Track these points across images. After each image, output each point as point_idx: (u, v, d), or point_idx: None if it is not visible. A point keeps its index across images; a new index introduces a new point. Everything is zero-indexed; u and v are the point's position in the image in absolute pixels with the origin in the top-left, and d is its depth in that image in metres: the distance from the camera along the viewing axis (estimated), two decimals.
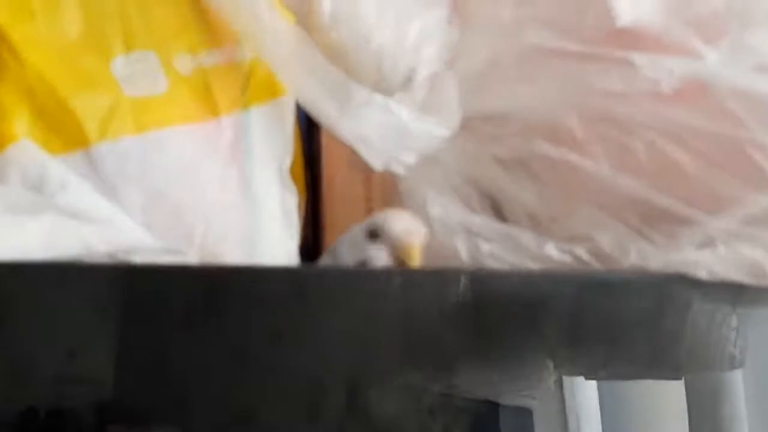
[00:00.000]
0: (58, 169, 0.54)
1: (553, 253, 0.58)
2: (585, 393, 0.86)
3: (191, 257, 0.55)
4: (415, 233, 0.57)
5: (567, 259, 0.58)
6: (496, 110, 0.64)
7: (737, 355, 0.59)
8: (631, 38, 0.59)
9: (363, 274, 0.55)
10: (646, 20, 0.59)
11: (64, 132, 0.55)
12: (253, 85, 0.61)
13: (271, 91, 0.61)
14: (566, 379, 0.83)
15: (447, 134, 0.61)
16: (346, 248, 0.59)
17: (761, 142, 0.55)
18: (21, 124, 0.55)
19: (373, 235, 0.57)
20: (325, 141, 0.75)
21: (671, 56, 0.57)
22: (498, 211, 0.66)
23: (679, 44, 0.58)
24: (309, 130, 0.72)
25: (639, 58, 0.57)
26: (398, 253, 0.57)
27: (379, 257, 0.57)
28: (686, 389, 0.82)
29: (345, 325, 0.51)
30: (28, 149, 0.54)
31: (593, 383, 0.86)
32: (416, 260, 0.56)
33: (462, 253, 0.60)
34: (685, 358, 0.58)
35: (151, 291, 0.50)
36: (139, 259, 0.53)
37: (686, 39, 0.58)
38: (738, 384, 0.76)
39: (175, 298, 0.50)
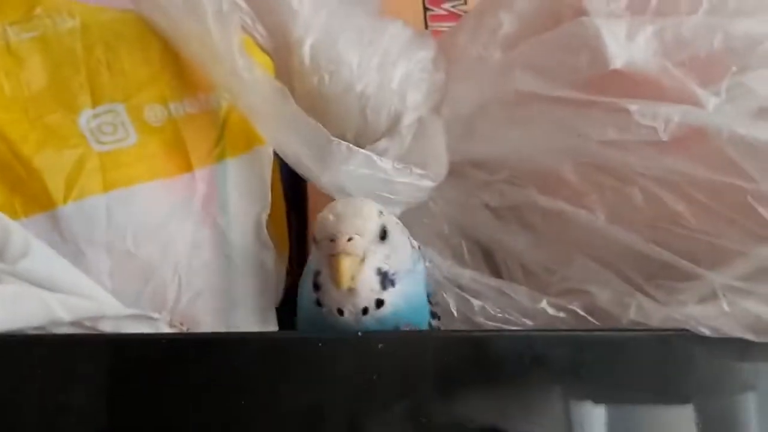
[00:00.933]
0: (20, 233, 0.51)
1: (548, 310, 0.55)
2: None
3: (161, 322, 0.52)
4: (341, 240, 0.49)
5: (562, 315, 0.55)
6: (486, 156, 0.61)
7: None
8: (626, 82, 0.56)
9: (340, 340, 0.51)
10: (639, 63, 0.56)
11: (27, 193, 0.53)
12: (228, 135, 0.58)
13: (247, 140, 0.58)
14: None
15: (433, 185, 0.58)
16: (311, 259, 0.53)
17: (764, 192, 0.52)
18: None
19: (314, 240, 0.52)
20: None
21: (668, 102, 0.54)
22: (489, 260, 0.63)
23: (675, 88, 0.55)
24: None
25: (634, 106, 0.54)
26: (329, 267, 0.49)
27: (318, 264, 0.51)
28: None
29: (322, 392, 0.48)
30: None
31: None
32: (346, 279, 0.48)
33: (452, 308, 0.57)
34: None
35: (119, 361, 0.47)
36: (107, 326, 0.51)
37: (683, 83, 0.55)
38: None
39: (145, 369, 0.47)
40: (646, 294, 0.55)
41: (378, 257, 0.50)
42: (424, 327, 0.54)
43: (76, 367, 0.47)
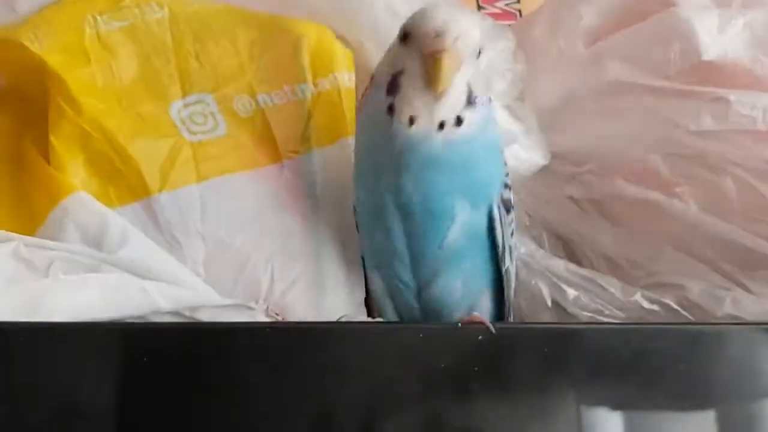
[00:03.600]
0: (118, 222, 0.51)
1: (642, 302, 0.55)
2: None
3: (258, 312, 0.51)
4: (448, 37, 0.45)
5: (655, 308, 0.55)
6: (572, 148, 0.61)
7: None
8: (717, 73, 0.56)
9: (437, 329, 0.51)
10: (731, 55, 0.55)
11: (123, 181, 0.53)
12: (314, 126, 0.58)
13: (333, 132, 0.58)
14: None
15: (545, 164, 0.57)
16: (384, 62, 0.49)
17: None
18: (77, 173, 0.52)
19: (404, 36, 0.46)
20: None
21: (764, 92, 0.53)
22: (571, 253, 0.63)
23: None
24: None
25: (734, 96, 0.53)
26: (426, 65, 0.45)
27: (402, 62, 0.46)
28: None
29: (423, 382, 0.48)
30: (85, 202, 0.51)
31: None
32: (445, 79, 0.45)
33: (546, 297, 0.56)
34: None
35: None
36: (204, 316, 0.50)
37: None
38: None
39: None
40: (742, 287, 0.54)
41: (471, 71, 0.47)
42: (493, 189, 0.50)
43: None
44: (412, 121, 0.46)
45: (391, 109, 0.46)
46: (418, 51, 0.45)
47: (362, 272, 0.57)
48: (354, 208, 0.54)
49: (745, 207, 0.55)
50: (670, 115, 0.56)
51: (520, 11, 0.94)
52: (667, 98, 0.56)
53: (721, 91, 0.54)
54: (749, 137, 0.54)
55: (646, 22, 0.58)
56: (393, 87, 0.46)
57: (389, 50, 0.49)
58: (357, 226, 0.55)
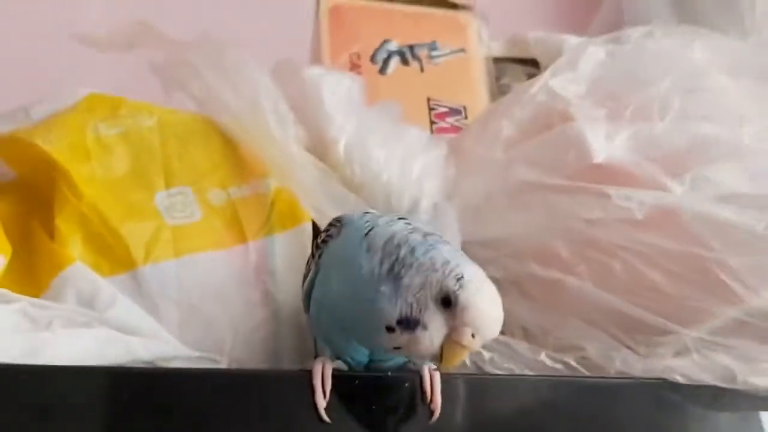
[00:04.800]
0: (108, 289, 0.61)
1: (546, 361, 0.65)
2: None
3: (222, 364, 0.61)
4: (480, 340, 0.49)
5: (558, 366, 0.65)
6: (492, 237, 0.72)
7: None
8: (606, 173, 0.68)
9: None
10: (617, 158, 0.68)
11: (113, 256, 0.63)
12: (276, 214, 0.70)
13: (292, 218, 0.70)
14: None
15: None
16: (408, 297, 0.49)
17: (724, 261, 0.63)
18: (76, 248, 0.63)
19: (447, 303, 0.49)
20: None
21: (641, 189, 0.66)
22: None
23: (648, 178, 0.67)
24: None
25: (613, 191, 0.65)
26: (448, 348, 0.49)
27: (426, 339, 0.49)
28: None
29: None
30: (82, 271, 0.61)
31: None
32: (454, 363, 0.49)
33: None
34: None
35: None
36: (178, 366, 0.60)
37: (654, 174, 0.66)
38: None
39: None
40: (630, 348, 0.65)
41: None
42: None
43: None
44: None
45: (389, 328, 0.50)
46: (447, 326, 0.49)
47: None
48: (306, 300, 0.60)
49: (629, 283, 0.65)
50: (568, 208, 0.67)
51: (465, 125, 1.08)
52: (565, 194, 0.68)
53: (603, 188, 0.66)
54: (629, 225, 0.65)
55: (549, 132, 0.71)
56: (410, 322, 0.49)
57: (420, 268, 0.50)
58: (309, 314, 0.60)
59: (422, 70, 1.07)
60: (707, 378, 0.62)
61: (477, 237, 0.73)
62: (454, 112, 1.05)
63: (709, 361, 0.63)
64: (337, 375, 0.55)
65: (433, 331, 0.49)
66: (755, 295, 0.62)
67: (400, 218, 0.55)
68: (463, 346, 0.49)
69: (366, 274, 0.50)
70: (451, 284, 0.49)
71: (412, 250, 0.50)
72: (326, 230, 0.57)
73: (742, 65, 0.73)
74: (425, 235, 0.52)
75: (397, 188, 0.73)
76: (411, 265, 0.49)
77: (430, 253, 0.50)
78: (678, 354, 0.64)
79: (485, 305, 0.49)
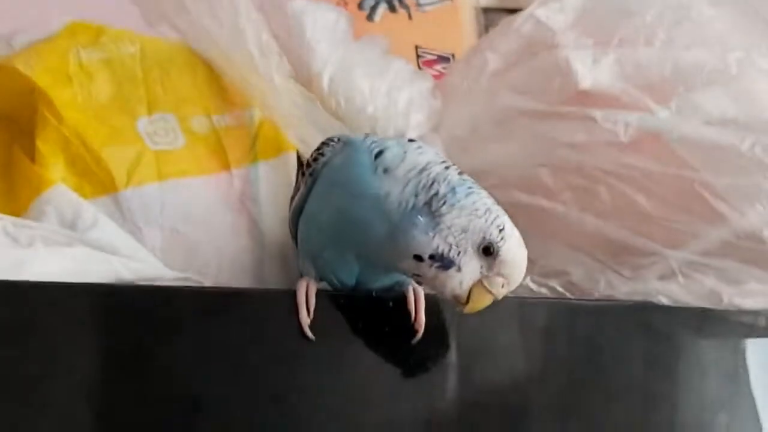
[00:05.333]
0: (90, 210, 0.61)
1: (532, 286, 0.65)
2: None
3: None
4: (507, 289, 0.51)
5: (543, 290, 0.65)
6: (477, 167, 0.71)
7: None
8: (592, 100, 0.67)
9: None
10: (603, 84, 0.67)
11: (95, 178, 0.63)
12: (260, 143, 0.69)
13: (276, 147, 0.69)
14: None
15: None
16: (450, 235, 0.49)
17: (708, 182, 0.62)
18: (57, 170, 0.62)
19: (488, 252, 0.49)
20: None
21: (624, 109, 0.65)
22: None
23: (633, 104, 0.66)
24: None
25: (599, 113, 0.65)
26: (476, 293, 0.50)
27: (456, 280, 0.50)
28: None
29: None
30: (63, 192, 0.61)
31: None
32: (480, 308, 0.50)
33: None
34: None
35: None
36: None
37: (640, 99, 0.66)
38: None
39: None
40: (615, 271, 0.65)
41: None
42: None
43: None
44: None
45: (419, 258, 0.50)
46: (481, 273, 0.50)
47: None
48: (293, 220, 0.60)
49: (613, 207, 0.65)
50: (553, 134, 0.67)
51: None
52: (550, 120, 0.68)
53: (589, 111, 0.65)
54: (615, 148, 0.65)
55: (533, 59, 0.71)
56: (442, 262, 0.49)
57: (462, 210, 0.50)
58: (296, 231, 0.61)
59: (410, 17, 1.07)
60: (693, 300, 0.62)
61: (462, 168, 0.72)
62: (442, 59, 1.05)
63: (694, 283, 0.63)
64: (321, 294, 0.55)
65: (466, 274, 0.50)
66: (741, 215, 0.62)
67: (410, 140, 0.54)
68: (493, 294, 0.50)
69: (394, 201, 0.50)
70: (495, 234, 0.50)
71: (453, 190, 0.50)
72: (319, 149, 0.56)
73: None
74: (460, 173, 0.52)
75: (383, 120, 0.73)
76: (453, 205, 0.50)
77: (472, 197, 0.51)
78: (663, 277, 0.64)
79: (520, 259, 0.51)
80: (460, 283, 0.50)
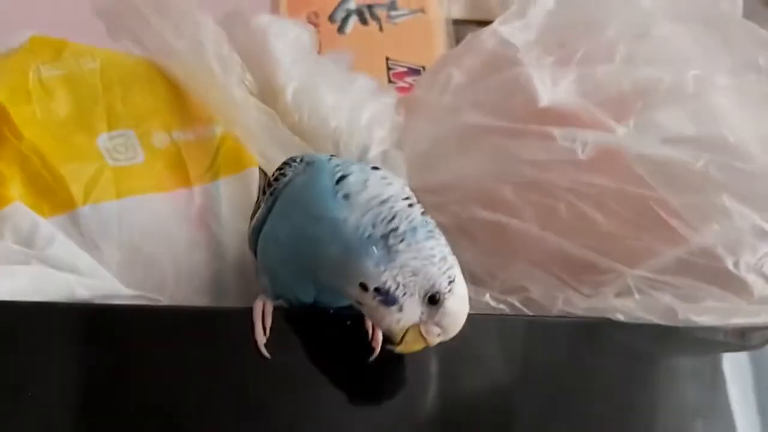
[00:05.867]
0: (47, 228, 0.61)
1: (490, 302, 0.65)
2: None
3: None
4: (451, 334, 0.51)
5: (502, 307, 0.65)
6: (439, 182, 0.72)
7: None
8: (552, 117, 0.68)
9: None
10: (563, 101, 0.68)
11: (53, 196, 0.63)
12: (221, 159, 0.69)
13: (238, 163, 0.69)
14: None
15: None
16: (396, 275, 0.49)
17: (665, 200, 0.63)
18: (15, 188, 0.62)
19: (433, 301, 0.49)
20: None
21: (582, 128, 0.66)
22: None
23: (592, 121, 0.67)
24: None
25: (558, 132, 0.66)
26: (409, 335, 0.50)
27: (394, 318, 0.50)
28: None
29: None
30: (20, 210, 0.61)
31: None
32: (410, 351, 0.51)
33: None
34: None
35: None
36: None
37: (599, 117, 0.67)
38: None
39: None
40: (574, 289, 0.65)
41: None
42: None
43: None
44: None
45: (364, 287, 0.50)
46: (420, 319, 0.50)
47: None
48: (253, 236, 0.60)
49: (573, 224, 0.66)
50: (514, 151, 0.68)
51: None
52: (511, 137, 0.68)
53: (548, 129, 0.66)
54: (573, 166, 0.66)
55: (496, 75, 0.71)
56: (386, 298, 0.49)
57: (419, 253, 0.49)
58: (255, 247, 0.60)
59: (381, 29, 1.07)
60: (649, 316, 0.63)
61: (425, 184, 0.73)
62: (412, 72, 1.05)
63: (651, 300, 0.63)
64: (278, 311, 0.56)
65: (406, 316, 0.50)
66: (696, 233, 0.63)
67: (373, 168, 0.54)
68: (427, 342, 0.50)
69: (351, 227, 0.50)
70: (444, 285, 0.49)
71: (414, 230, 0.50)
72: (280, 169, 0.56)
73: (688, 11, 0.73)
74: (423, 212, 0.52)
75: (346, 135, 0.73)
76: (410, 245, 0.49)
77: (431, 242, 0.50)
78: (621, 294, 0.64)
79: (462, 314, 0.51)
80: (398, 321, 0.50)
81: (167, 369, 0.55)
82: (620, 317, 0.63)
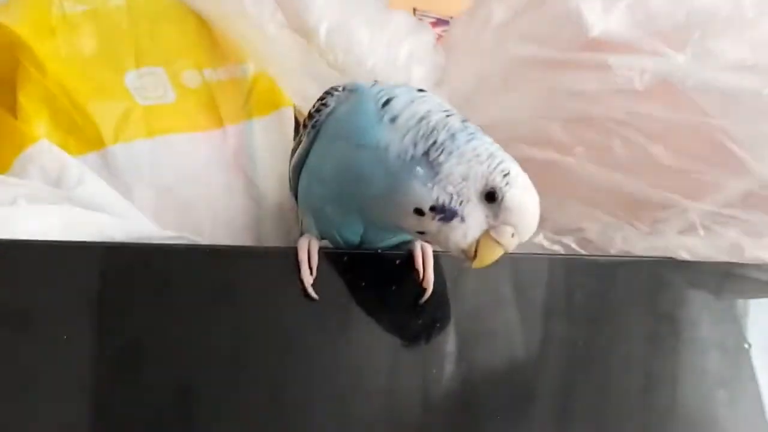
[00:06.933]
0: (76, 167, 0.57)
1: (544, 243, 0.62)
2: None
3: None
4: (516, 242, 0.47)
5: (556, 247, 0.62)
6: (483, 123, 0.67)
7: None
8: (603, 48, 0.64)
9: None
10: (615, 31, 0.64)
11: (81, 134, 0.60)
12: (254, 99, 0.66)
13: (272, 103, 0.66)
14: None
15: None
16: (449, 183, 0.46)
17: (729, 130, 0.59)
18: (41, 126, 0.59)
19: (492, 198, 0.46)
20: None
21: (639, 54, 0.62)
22: None
23: (647, 51, 0.63)
24: None
25: (613, 60, 0.62)
26: (483, 246, 0.46)
27: (460, 232, 0.46)
28: None
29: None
30: (47, 149, 0.58)
31: None
32: (489, 262, 0.47)
33: None
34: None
35: None
36: None
37: (654, 46, 0.63)
38: None
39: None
40: (632, 226, 0.62)
41: None
42: None
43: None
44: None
45: (419, 212, 0.46)
46: (487, 223, 0.46)
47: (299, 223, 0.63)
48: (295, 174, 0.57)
49: (628, 159, 0.62)
50: (563, 85, 0.64)
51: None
52: (560, 70, 0.64)
53: (602, 56, 0.62)
54: (629, 97, 0.62)
55: (542, 7, 0.67)
56: (444, 213, 0.46)
57: (462, 157, 0.47)
58: (296, 186, 0.57)
59: None
60: (714, 254, 0.59)
61: None
62: (441, 22, 1.01)
63: (715, 236, 0.60)
64: (325, 251, 0.52)
65: (471, 225, 0.46)
66: (763, 164, 0.59)
67: (419, 90, 0.51)
68: (501, 245, 0.47)
69: (393, 152, 0.47)
70: (498, 180, 0.46)
71: (453, 137, 0.47)
72: (322, 99, 0.53)
73: None
74: (463, 120, 0.49)
75: (383, 75, 0.69)
76: (452, 153, 0.46)
77: (473, 143, 0.47)
78: (683, 231, 0.61)
79: (530, 205, 0.47)
80: (465, 234, 0.46)
81: (210, 311, 0.51)
82: (683, 255, 0.59)
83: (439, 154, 0.46)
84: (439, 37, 0.98)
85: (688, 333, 0.60)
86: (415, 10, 1.01)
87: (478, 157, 0.47)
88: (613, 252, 0.61)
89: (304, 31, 0.70)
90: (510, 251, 0.48)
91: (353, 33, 0.69)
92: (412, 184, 0.46)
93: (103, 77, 0.62)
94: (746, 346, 0.61)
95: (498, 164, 0.47)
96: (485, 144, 0.48)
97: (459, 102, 0.69)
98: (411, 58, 0.70)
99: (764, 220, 0.59)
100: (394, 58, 0.70)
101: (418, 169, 0.46)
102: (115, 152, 0.59)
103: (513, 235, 0.47)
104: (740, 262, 0.59)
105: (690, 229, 0.60)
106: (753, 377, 0.59)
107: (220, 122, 0.64)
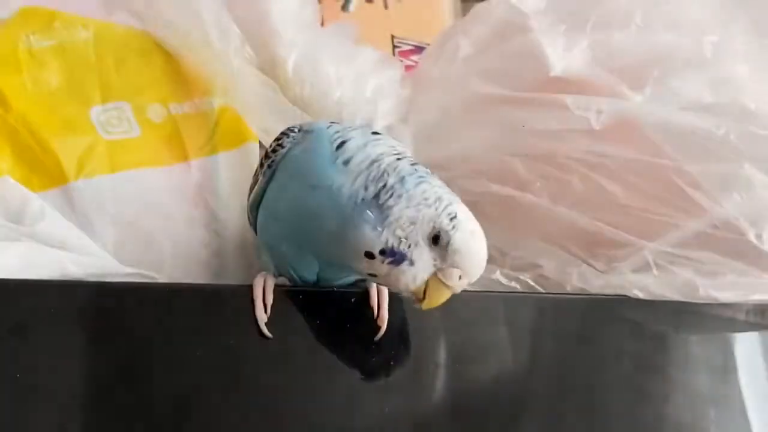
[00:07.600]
0: (37, 202, 0.58)
1: (502, 280, 0.62)
2: None
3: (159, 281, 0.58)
4: (464, 283, 0.48)
5: (513, 284, 0.62)
6: (447, 156, 0.69)
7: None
8: (564, 86, 0.65)
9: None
10: (576, 69, 0.65)
11: (44, 170, 0.61)
12: (220, 133, 0.67)
13: (237, 137, 0.67)
14: None
15: None
16: (398, 230, 0.46)
17: (684, 170, 0.60)
18: (3, 162, 0.60)
19: (438, 241, 0.47)
20: None
21: (595, 95, 0.63)
22: None
23: (607, 90, 0.64)
24: None
25: (571, 100, 0.63)
26: (432, 287, 0.47)
27: (409, 275, 0.47)
28: None
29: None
30: (9, 185, 0.58)
31: None
32: (438, 303, 0.48)
33: None
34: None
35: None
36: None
37: (613, 84, 0.64)
38: None
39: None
40: (588, 264, 0.62)
41: None
42: None
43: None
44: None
45: (370, 256, 0.47)
46: (435, 266, 0.47)
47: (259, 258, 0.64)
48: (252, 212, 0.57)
49: (586, 197, 0.63)
50: (523, 120, 0.65)
51: None
52: (522, 107, 0.65)
53: (560, 97, 0.63)
54: (587, 136, 0.63)
55: (505, 44, 0.68)
56: (393, 257, 0.47)
57: (411, 201, 0.47)
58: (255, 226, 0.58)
59: (386, 7, 1.04)
60: (668, 293, 0.60)
61: (432, 158, 0.70)
62: (419, 49, 1.02)
63: (670, 275, 0.60)
64: (280, 289, 0.53)
65: (420, 268, 0.47)
66: (717, 205, 0.60)
67: (374, 133, 0.52)
68: (449, 287, 0.48)
69: (345, 195, 0.48)
70: (445, 223, 0.47)
71: (402, 180, 0.48)
72: (278, 139, 0.54)
73: None
74: (413, 164, 0.49)
75: (350, 108, 0.70)
76: (401, 196, 0.47)
77: (422, 186, 0.48)
78: (638, 269, 0.61)
79: (476, 248, 0.48)
80: (414, 277, 0.47)
81: (163, 349, 0.52)
82: (638, 294, 0.60)
83: (389, 198, 0.47)
84: (416, 64, 0.99)
85: (643, 371, 0.61)
86: (393, 37, 1.02)
87: (426, 200, 0.47)
88: (569, 289, 0.62)
89: (271, 64, 0.71)
90: (458, 292, 0.48)
91: (321, 66, 0.70)
92: (362, 227, 0.47)
93: (69, 112, 0.62)
94: (702, 383, 0.61)
95: (445, 207, 0.47)
96: (434, 187, 0.48)
97: (423, 135, 0.71)
98: (377, 93, 0.71)
99: (716, 259, 0.60)
100: (361, 92, 0.70)
101: (368, 212, 0.47)
102: (77, 188, 0.60)
103: (460, 278, 0.47)
104: (693, 301, 0.60)
105: (645, 267, 0.61)
106: (706, 416, 0.60)
107: (185, 156, 0.65)
